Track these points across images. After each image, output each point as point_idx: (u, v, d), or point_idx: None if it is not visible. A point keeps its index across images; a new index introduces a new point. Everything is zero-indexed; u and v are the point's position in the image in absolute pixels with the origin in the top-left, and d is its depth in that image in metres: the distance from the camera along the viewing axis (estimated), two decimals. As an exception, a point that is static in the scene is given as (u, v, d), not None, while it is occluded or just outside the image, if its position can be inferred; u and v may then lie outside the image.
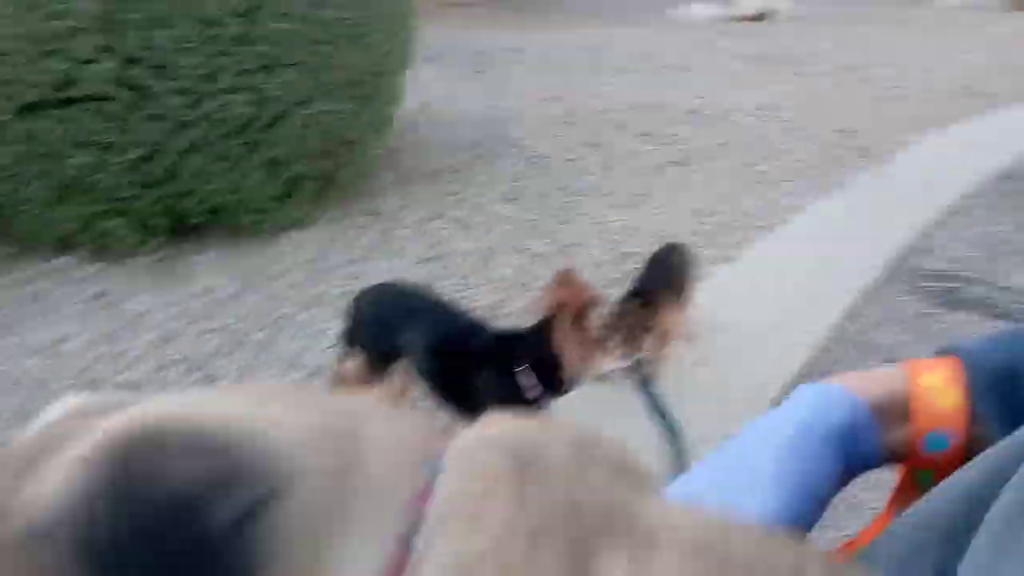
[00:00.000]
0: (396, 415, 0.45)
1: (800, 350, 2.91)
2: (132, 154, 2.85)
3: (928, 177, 4.85)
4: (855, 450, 0.73)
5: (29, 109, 2.68)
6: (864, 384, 0.76)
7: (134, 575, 0.35)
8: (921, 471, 0.74)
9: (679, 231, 3.71)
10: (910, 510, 0.65)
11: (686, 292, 2.70)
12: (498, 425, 0.46)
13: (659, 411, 2.42)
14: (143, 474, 0.37)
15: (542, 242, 3.48)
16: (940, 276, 3.69)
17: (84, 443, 0.39)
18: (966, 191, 4.70)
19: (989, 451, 0.61)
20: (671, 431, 2.33)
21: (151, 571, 0.35)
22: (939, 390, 0.72)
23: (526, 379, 2.07)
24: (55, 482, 0.37)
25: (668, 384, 2.59)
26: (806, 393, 0.77)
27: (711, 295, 3.19)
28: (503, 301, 2.98)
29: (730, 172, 4.68)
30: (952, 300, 3.49)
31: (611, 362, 2.53)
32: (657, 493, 0.48)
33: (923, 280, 3.64)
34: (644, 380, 2.55)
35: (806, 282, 3.42)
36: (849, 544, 0.75)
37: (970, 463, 0.63)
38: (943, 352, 0.77)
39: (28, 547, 0.36)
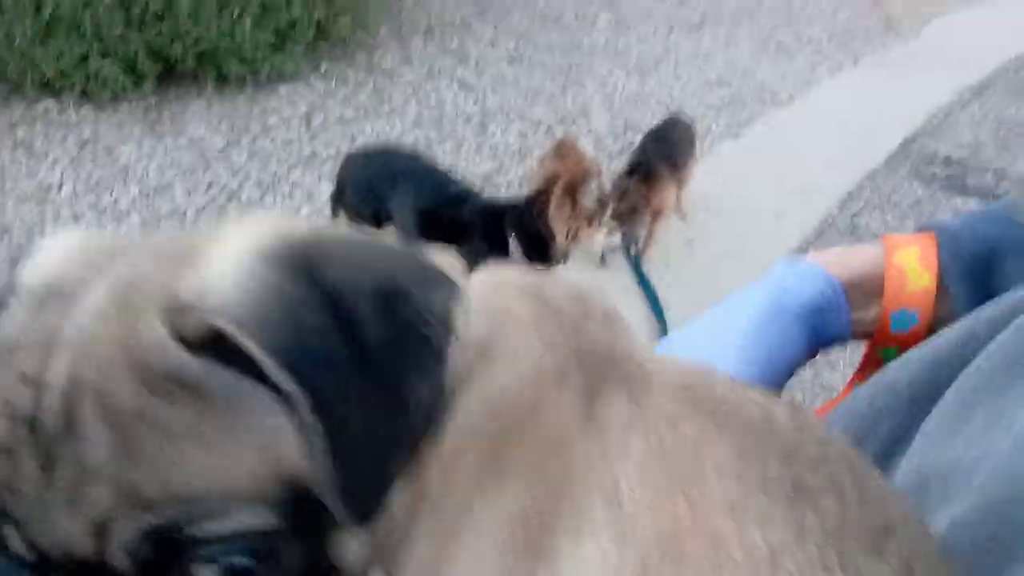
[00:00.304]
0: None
1: (793, 234, 2.91)
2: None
3: (951, 55, 4.63)
4: (824, 327, 0.75)
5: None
6: (840, 263, 0.77)
7: (337, 351, 0.37)
8: (886, 348, 0.76)
9: (688, 103, 3.60)
10: (876, 375, 0.68)
11: (685, 170, 2.66)
12: (508, 273, 0.50)
13: (645, 289, 2.46)
14: (337, 267, 0.39)
15: (544, 109, 3.38)
16: (946, 161, 3.61)
17: (234, 244, 0.39)
18: (989, 71, 4.51)
19: (960, 322, 0.62)
20: (656, 310, 2.37)
21: (363, 352, 0.37)
22: (911, 269, 0.73)
23: (514, 250, 2.08)
24: (223, 272, 0.38)
25: (657, 263, 2.60)
26: (784, 269, 0.78)
27: (711, 174, 3.14)
28: (499, 169, 2.94)
29: (749, 39, 4.47)
30: (955, 187, 3.44)
31: (601, 238, 2.54)
32: (641, 342, 0.52)
33: (928, 165, 3.57)
34: (633, 258, 2.57)
35: (809, 163, 3.35)
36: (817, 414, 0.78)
37: (939, 333, 0.64)
38: (922, 229, 0.77)
39: (214, 317, 0.36)
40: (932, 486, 0.55)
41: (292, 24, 3.22)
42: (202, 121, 2.93)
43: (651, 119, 3.16)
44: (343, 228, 0.46)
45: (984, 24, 5.23)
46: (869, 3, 5.32)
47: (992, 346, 0.57)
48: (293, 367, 0.36)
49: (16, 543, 0.38)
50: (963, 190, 3.42)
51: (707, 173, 3.11)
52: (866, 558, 0.41)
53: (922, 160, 3.59)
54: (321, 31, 3.38)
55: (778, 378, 0.76)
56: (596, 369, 0.45)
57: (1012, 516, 0.46)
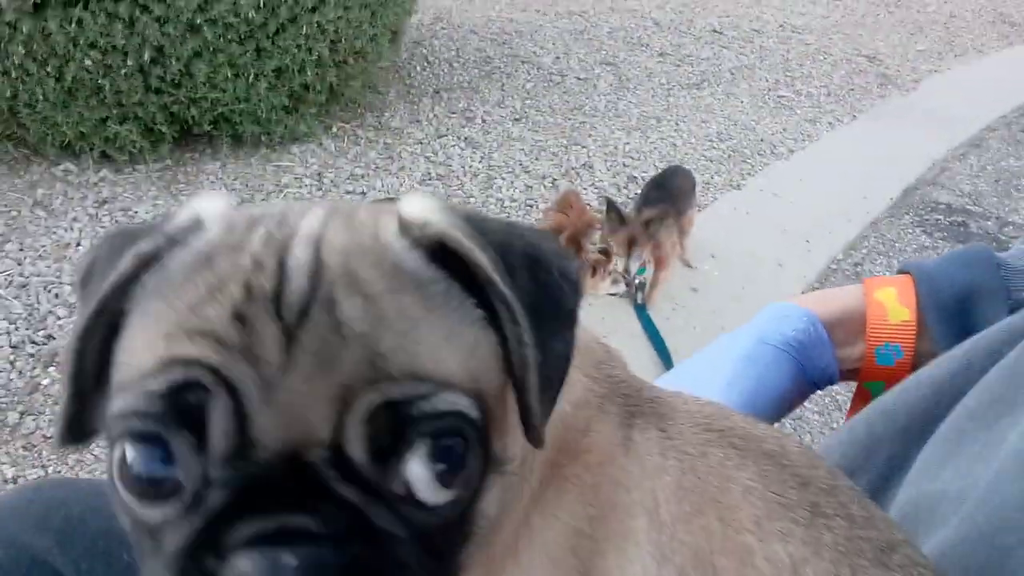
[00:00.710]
0: None
1: (796, 280, 2.93)
2: (140, 57, 2.83)
3: (948, 109, 4.73)
4: (809, 362, 0.78)
5: (39, 7, 2.66)
6: (820, 302, 0.81)
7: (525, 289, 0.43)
8: (874, 383, 0.79)
9: (690, 156, 3.68)
10: (875, 402, 0.70)
11: (686, 217, 2.70)
12: None
13: (651, 334, 2.47)
14: (495, 232, 0.45)
15: (549, 164, 3.46)
16: (949, 209, 3.65)
17: (413, 202, 0.45)
18: (984, 125, 4.60)
19: (956, 351, 0.65)
20: (663, 354, 2.38)
21: (540, 294, 0.43)
22: (891, 306, 0.76)
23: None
24: (428, 211, 0.44)
25: (663, 309, 2.63)
26: (768, 310, 0.82)
27: (714, 223, 3.19)
28: (506, 221, 3.00)
29: (748, 96, 4.58)
30: (958, 234, 3.47)
31: (607, 286, 2.57)
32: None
33: (931, 213, 3.61)
34: (638, 304, 2.59)
35: (811, 212, 3.40)
36: None
37: (935, 362, 0.66)
38: (901, 271, 0.80)
39: (443, 231, 0.43)
40: (922, 514, 0.57)
41: (305, 87, 3.33)
42: (217, 181, 3.01)
43: (653, 172, 3.23)
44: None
45: (979, 80, 5.35)
46: (865, 60, 5.46)
47: (982, 382, 0.59)
48: (507, 282, 0.41)
49: (221, 430, 0.37)
50: (966, 237, 3.45)
51: (710, 223, 3.16)
52: (876, 570, 0.45)
53: (924, 208, 3.64)
54: (332, 94, 3.50)
55: (767, 410, 0.79)
56: (627, 401, 0.51)
57: (1000, 544, 0.49)
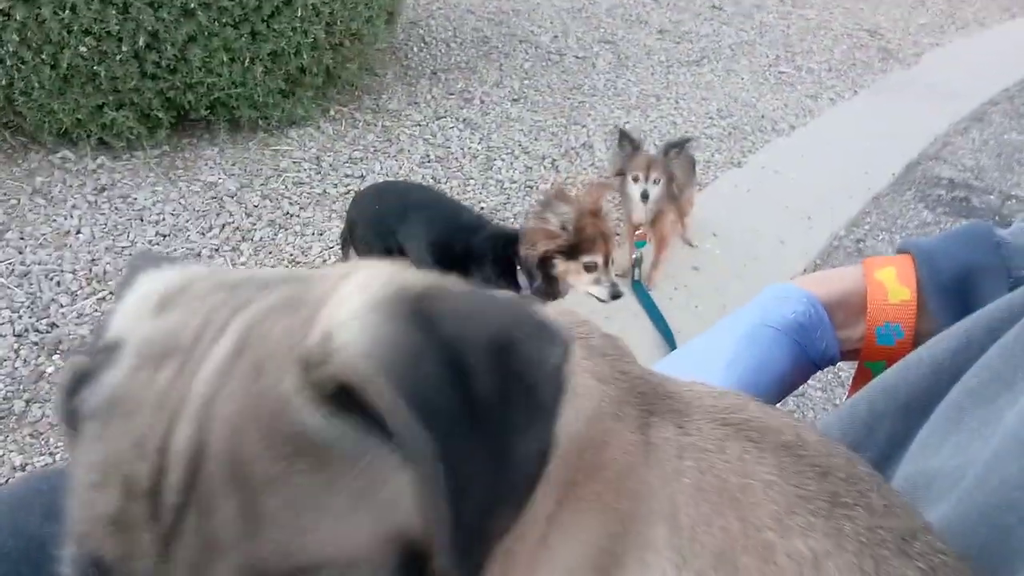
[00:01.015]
0: None
1: (798, 257, 2.92)
2: (135, 43, 2.81)
3: (950, 83, 4.70)
4: (810, 342, 0.78)
5: (29, -5, 2.64)
6: (820, 283, 0.81)
7: (457, 403, 0.37)
8: (874, 363, 0.79)
9: (690, 134, 3.66)
10: (875, 380, 0.70)
11: (685, 196, 2.69)
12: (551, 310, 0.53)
13: (652, 314, 2.47)
14: (452, 319, 0.39)
15: (548, 144, 3.44)
16: (951, 184, 3.64)
17: (354, 295, 0.40)
18: (987, 98, 4.57)
19: (957, 328, 0.65)
20: (666, 334, 2.38)
21: (474, 405, 0.37)
22: (891, 286, 0.76)
23: (524, 277, 2.10)
24: (349, 324, 0.38)
25: (666, 288, 2.62)
26: (767, 292, 0.82)
27: (715, 201, 3.18)
28: (506, 203, 2.99)
29: (748, 72, 4.55)
30: (960, 209, 3.45)
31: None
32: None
33: (934, 188, 3.60)
34: (636, 280, 2.59)
35: (812, 189, 3.39)
36: None
37: (937, 338, 0.66)
38: (900, 250, 0.80)
39: (344, 370, 0.36)
40: (920, 491, 0.57)
41: (301, 71, 3.31)
42: (215, 166, 3.00)
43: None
44: (454, 279, 0.45)
45: (980, 53, 5.31)
46: (866, 35, 5.42)
47: (982, 360, 0.59)
48: (418, 418, 0.35)
49: None
50: (969, 212, 3.44)
51: (711, 201, 3.14)
52: (898, 560, 0.45)
53: (927, 183, 3.62)
54: (329, 76, 3.47)
55: (768, 391, 0.79)
56: (644, 401, 0.50)
57: (1000, 523, 0.49)
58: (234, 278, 0.43)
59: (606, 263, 2.03)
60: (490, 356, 0.38)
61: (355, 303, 0.39)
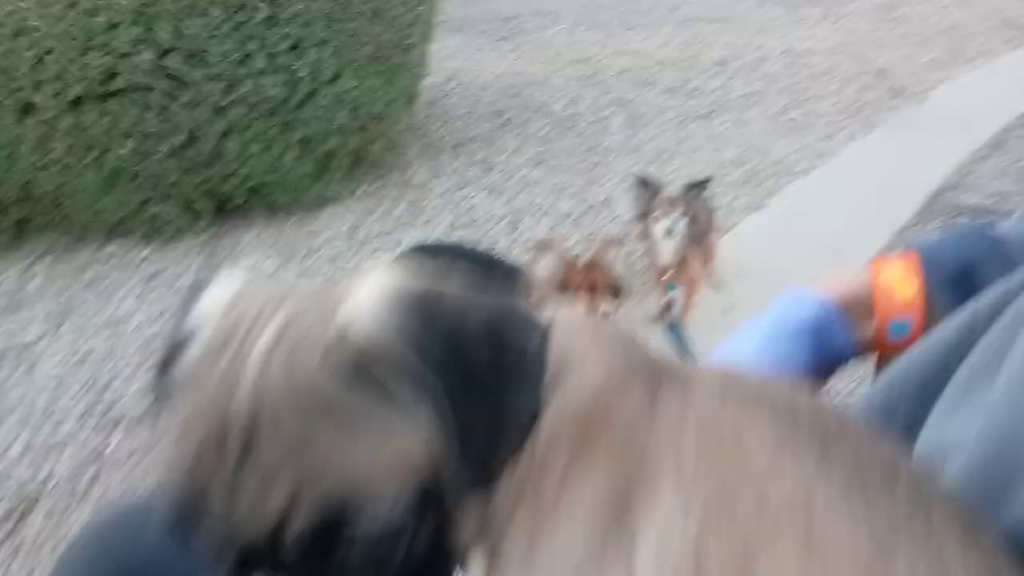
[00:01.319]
0: None
1: (829, 292, 2.93)
2: (173, 141, 2.99)
3: (964, 114, 4.75)
4: (826, 343, 0.83)
5: (75, 103, 2.84)
6: (832, 286, 0.85)
7: (458, 372, 0.48)
8: (889, 356, 0.83)
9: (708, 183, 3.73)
10: (889, 368, 0.74)
11: (707, 242, 2.73)
12: (568, 313, 0.63)
13: (686, 355, 2.49)
14: (451, 310, 0.50)
15: (570, 202, 3.54)
16: (977, 211, 3.65)
17: (368, 292, 0.51)
18: (1003, 126, 4.60)
19: (963, 309, 0.69)
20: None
21: (476, 377, 0.48)
22: (898, 282, 0.80)
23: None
24: (362, 315, 0.49)
25: (699, 329, 2.65)
26: (784, 297, 0.87)
27: (740, 244, 3.22)
28: (534, 262, 3.06)
29: (759, 121, 4.65)
30: (987, 235, 3.45)
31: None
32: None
33: (958, 216, 3.61)
34: (672, 324, 2.61)
35: (837, 225, 3.42)
36: None
37: (946, 322, 0.70)
38: (905, 250, 0.85)
39: (360, 352, 0.48)
40: (935, 464, 0.61)
41: (330, 155, 3.48)
42: (255, 248, 3.14)
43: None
44: (454, 280, 0.57)
45: (989, 84, 5.37)
46: (873, 76, 5.52)
47: (984, 339, 0.64)
48: (427, 383, 0.47)
49: (214, 530, 0.48)
50: (995, 236, 3.43)
51: (737, 244, 3.19)
52: (876, 494, 0.49)
53: (951, 212, 3.63)
54: (357, 157, 3.64)
55: None
56: (650, 375, 0.56)
57: (1010, 461, 0.53)
58: (279, 287, 0.56)
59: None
60: (482, 338, 0.49)
61: (369, 298, 0.50)
